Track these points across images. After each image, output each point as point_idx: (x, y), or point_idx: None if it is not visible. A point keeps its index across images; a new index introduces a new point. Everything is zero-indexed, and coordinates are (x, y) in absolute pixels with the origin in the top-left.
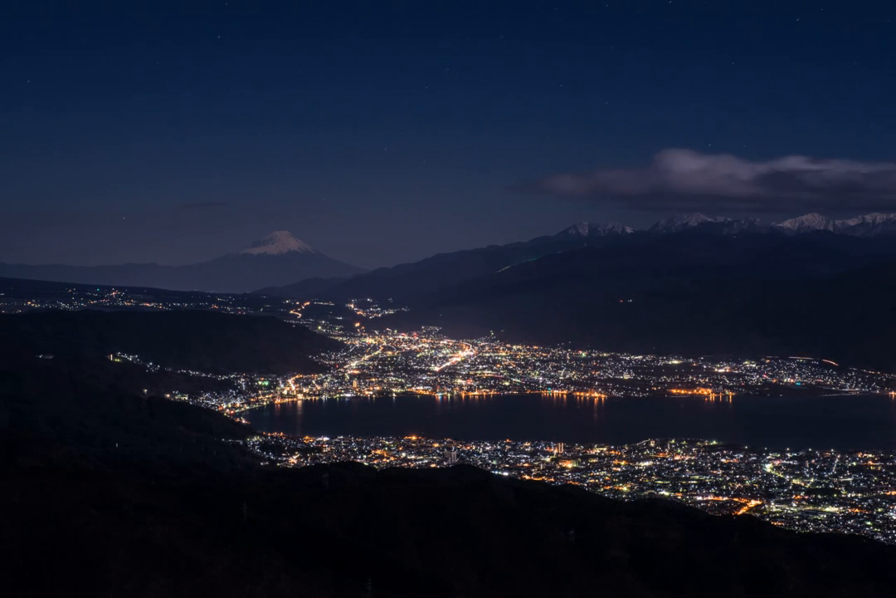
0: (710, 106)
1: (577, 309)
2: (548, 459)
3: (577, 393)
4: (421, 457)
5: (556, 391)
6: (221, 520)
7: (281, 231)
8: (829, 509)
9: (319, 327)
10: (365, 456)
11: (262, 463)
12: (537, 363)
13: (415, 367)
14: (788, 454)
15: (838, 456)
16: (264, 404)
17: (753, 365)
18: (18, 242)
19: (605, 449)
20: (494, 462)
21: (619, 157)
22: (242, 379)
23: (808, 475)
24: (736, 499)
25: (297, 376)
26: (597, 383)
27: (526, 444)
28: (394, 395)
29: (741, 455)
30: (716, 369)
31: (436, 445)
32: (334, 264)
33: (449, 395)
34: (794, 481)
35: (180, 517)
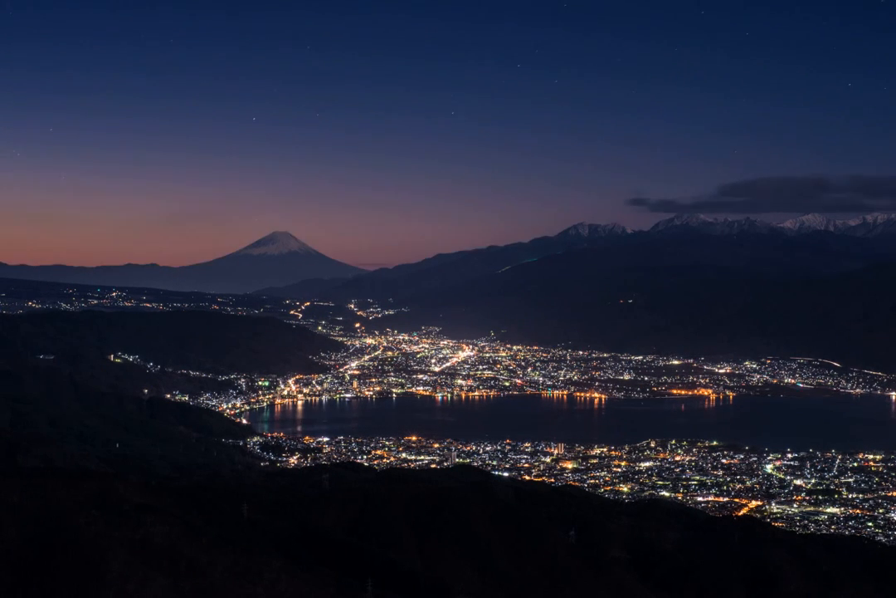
0: None
1: (578, 309)
2: (548, 459)
3: (578, 393)
4: (421, 457)
5: (556, 392)
6: (221, 520)
7: (281, 231)
8: (831, 510)
9: (320, 328)
10: (365, 456)
11: (262, 463)
12: (537, 364)
13: (415, 367)
14: (789, 455)
15: (839, 457)
16: (264, 404)
17: (754, 365)
18: (19, 243)
19: (605, 450)
20: (494, 463)
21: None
22: (243, 379)
23: (809, 476)
24: (737, 500)
25: (297, 377)
26: (597, 384)
27: (526, 444)
28: (394, 395)
29: (742, 456)
30: (716, 370)
31: (436, 445)
32: (334, 264)
33: (449, 395)
34: (795, 481)
35: (180, 517)
